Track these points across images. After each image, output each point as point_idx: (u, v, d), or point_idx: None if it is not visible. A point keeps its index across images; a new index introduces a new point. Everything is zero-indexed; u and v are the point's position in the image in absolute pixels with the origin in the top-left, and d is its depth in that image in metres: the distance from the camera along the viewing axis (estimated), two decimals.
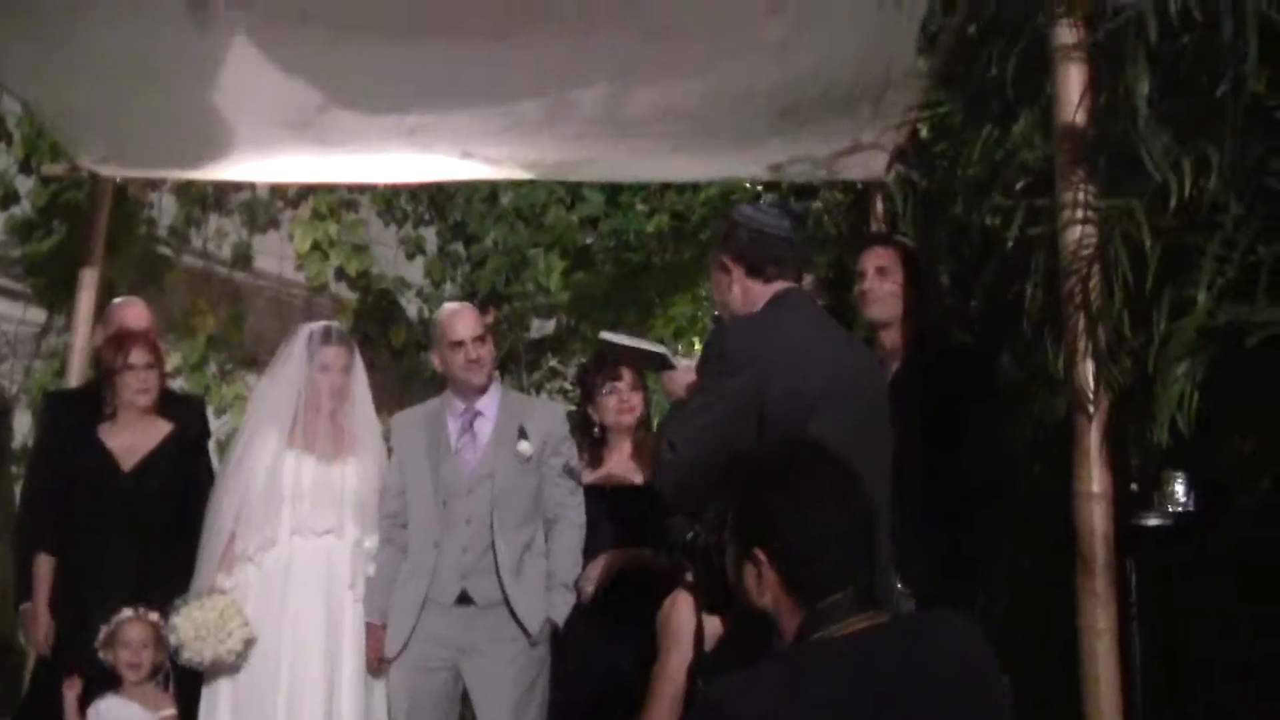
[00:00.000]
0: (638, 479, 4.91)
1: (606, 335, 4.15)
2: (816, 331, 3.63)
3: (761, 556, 2.33)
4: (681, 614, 2.53)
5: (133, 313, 5.49)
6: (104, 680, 4.66)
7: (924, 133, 5.68)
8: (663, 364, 3.95)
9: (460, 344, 4.88)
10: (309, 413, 4.94)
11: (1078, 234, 3.55)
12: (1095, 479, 3.56)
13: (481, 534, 4.76)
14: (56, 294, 6.60)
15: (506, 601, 4.72)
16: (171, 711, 4.67)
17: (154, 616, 4.64)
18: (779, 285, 3.63)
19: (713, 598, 2.52)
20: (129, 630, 4.63)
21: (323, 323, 5.21)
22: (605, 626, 4.82)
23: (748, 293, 3.66)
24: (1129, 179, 3.55)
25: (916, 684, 2.21)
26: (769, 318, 3.57)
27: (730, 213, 3.89)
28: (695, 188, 7.09)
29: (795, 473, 2.40)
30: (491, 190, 7.77)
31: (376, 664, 4.79)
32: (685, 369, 3.82)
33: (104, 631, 4.63)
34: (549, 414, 5.10)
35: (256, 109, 5.30)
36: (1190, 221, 3.42)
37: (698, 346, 6.68)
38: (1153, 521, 4.23)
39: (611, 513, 4.88)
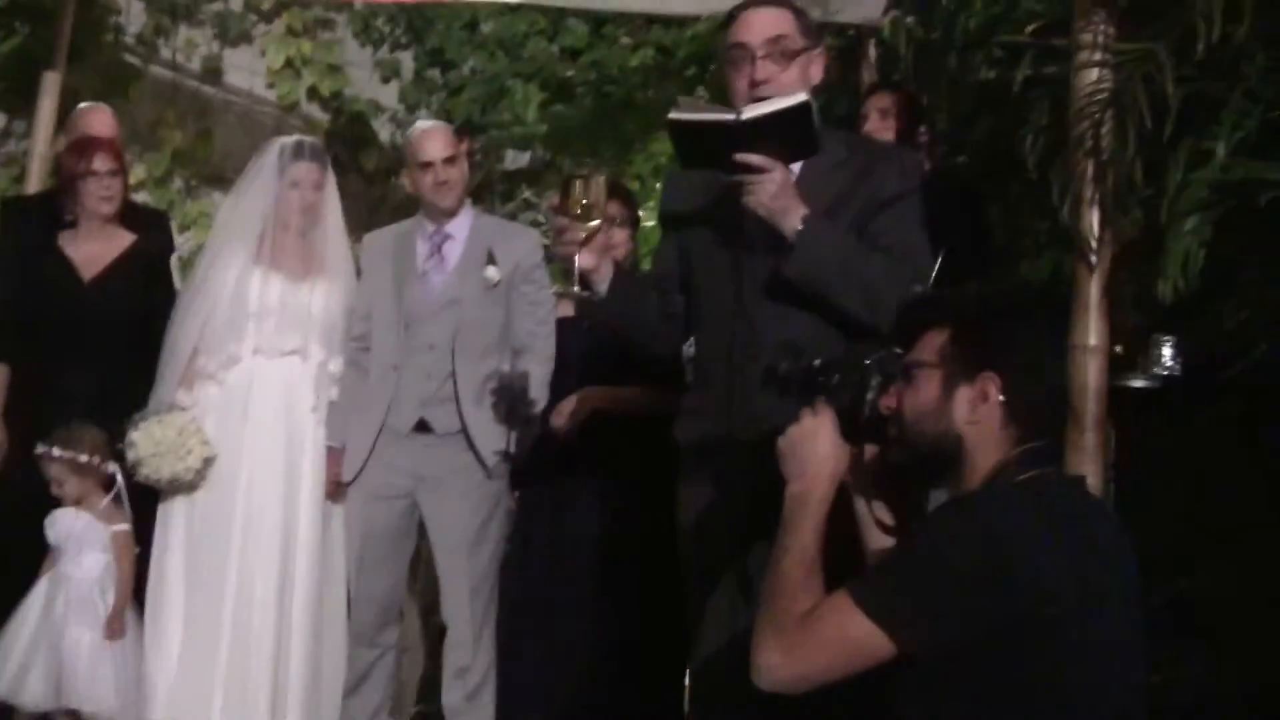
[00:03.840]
0: None
1: (678, 114, 3.08)
2: None
3: (992, 381, 2.33)
4: (828, 433, 2.43)
5: (99, 119, 5.35)
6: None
7: None
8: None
9: (430, 165, 4.74)
10: (278, 230, 4.80)
11: (1094, 76, 3.44)
12: (1093, 332, 3.48)
13: (443, 361, 4.66)
14: (16, 99, 6.43)
15: (465, 431, 4.63)
16: (125, 526, 4.60)
17: (56, 451, 4.53)
18: None
19: (855, 430, 2.46)
20: (44, 465, 4.56)
21: (296, 137, 5.05)
22: (578, 473, 4.77)
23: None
24: (1149, 24, 3.42)
25: (1113, 535, 2.35)
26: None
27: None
28: (681, 24, 6.91)
29: (1047, 316, 2.52)
30: (472, 18, 7.61)
31: (333, 488, 4.73)
32: (785, 178, 3.04)
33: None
34: (522, 240, 4.95)
35: None
36: (1214, 71, 3.30)
37: None
38: (1138, 383, 4.16)
39: (586, 348, 4.78)
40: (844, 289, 3.01)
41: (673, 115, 3.06)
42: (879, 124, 4.54)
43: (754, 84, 3.09)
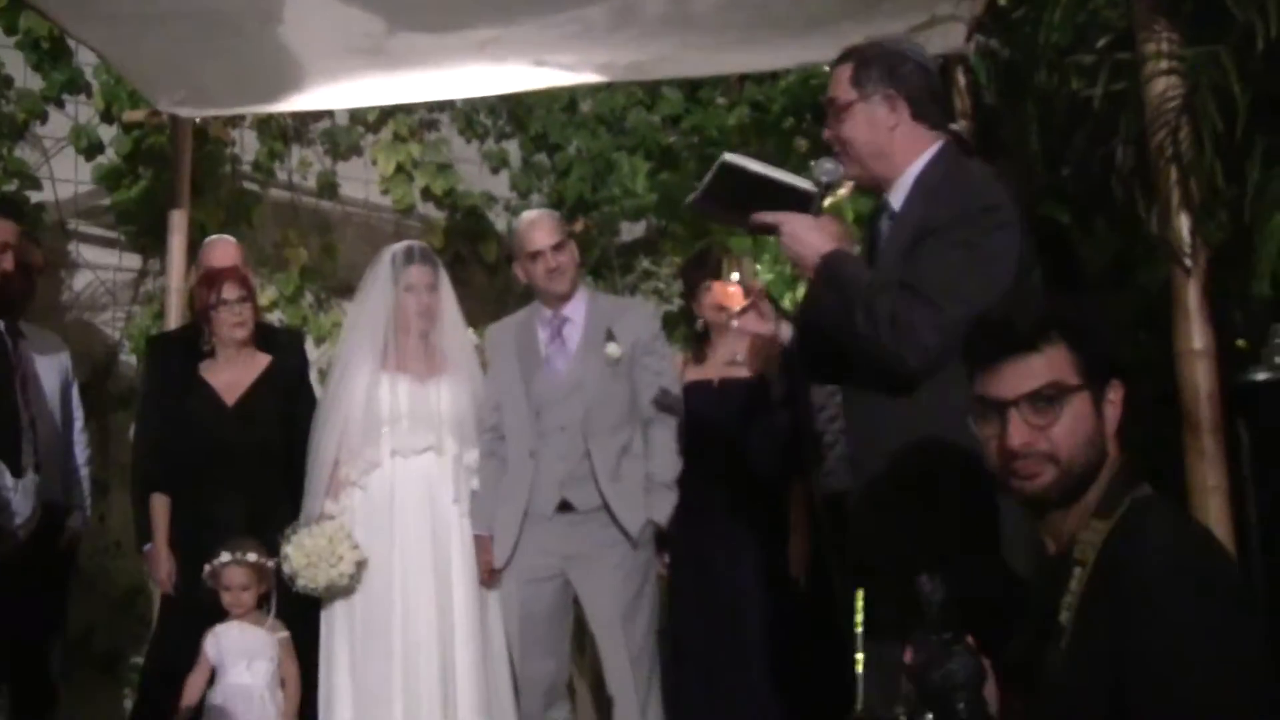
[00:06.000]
0: (745, 373, 4.89)
1: (731, 158, 3.11)
2: None
3: (1118, 389, 2.30)
4: None
5: (220, 251, 5.54)
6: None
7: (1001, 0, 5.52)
8: (800, 203, 3.10)
9: (539, 254, 4.86)
10: (399, 334, 4.96)
11: (1163, 86, 3.44)
12: (1196, 335, 3.46)
13: (576, 441, 4.74)
14: (149, 239, 6.64)
15: (606, 506, 4.70)
16: (286, 633, 4.76)
17: (251, 557, 4.69)
18: (941, 136, 3.15)
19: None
20: (227, 574, 4.71)
21: (405, 243, 5.19)
22: (714, 528, 4.85)
23: (910, 140, 3.11)
24: (1212, 27, 3.41)
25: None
26: (982, 169, 3.11)
27: (880, 43, 3.23)
28: (774, 77, 6.97)
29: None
30: (570, 98, 7.69)
31: (487, 576, 4.83)
32: (816, 224, 3.10)
33: (208, 570, 4.72)
34: (638, 314, 5.04)
35: (324, 40, 5.30)
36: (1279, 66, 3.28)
37: None
38: (1262, 376, 4.09)
39: (720, 408, 4.86)
40: (834, 321, 3.00)
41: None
42: None
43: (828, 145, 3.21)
